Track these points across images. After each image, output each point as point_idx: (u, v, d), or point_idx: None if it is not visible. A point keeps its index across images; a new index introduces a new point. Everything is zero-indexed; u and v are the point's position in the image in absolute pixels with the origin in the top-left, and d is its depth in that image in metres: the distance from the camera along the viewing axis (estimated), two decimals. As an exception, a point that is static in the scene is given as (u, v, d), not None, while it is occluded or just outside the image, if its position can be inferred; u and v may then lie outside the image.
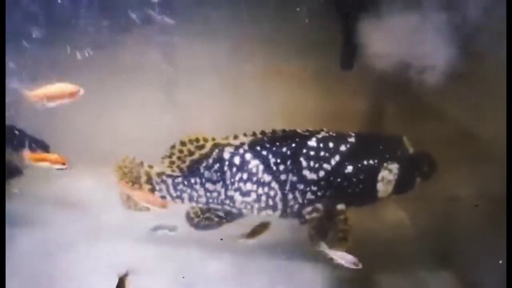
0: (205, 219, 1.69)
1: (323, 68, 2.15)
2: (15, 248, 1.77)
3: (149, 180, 1.66)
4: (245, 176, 1.57)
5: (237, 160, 1.58)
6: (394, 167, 1.53)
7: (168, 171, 1.64)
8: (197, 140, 1.59)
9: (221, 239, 1.76)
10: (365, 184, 1.54)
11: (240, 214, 1.66)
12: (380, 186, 1.54)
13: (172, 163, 1.62)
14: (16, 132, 1.93)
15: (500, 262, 1.42)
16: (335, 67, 2.09)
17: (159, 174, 1.65)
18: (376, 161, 1.54)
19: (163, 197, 1.67)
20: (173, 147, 1.61)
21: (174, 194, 1.66)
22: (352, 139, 1.58)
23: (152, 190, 1.66)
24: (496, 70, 1.46)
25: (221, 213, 1.68)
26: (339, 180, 1.54)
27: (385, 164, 1.53)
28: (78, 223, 1.91)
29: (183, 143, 1.60)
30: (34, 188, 2.11)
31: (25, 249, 1.77)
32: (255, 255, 1.79)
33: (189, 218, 1.71)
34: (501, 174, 1.37)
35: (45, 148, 1.96)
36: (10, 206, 1.96)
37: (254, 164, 1.56)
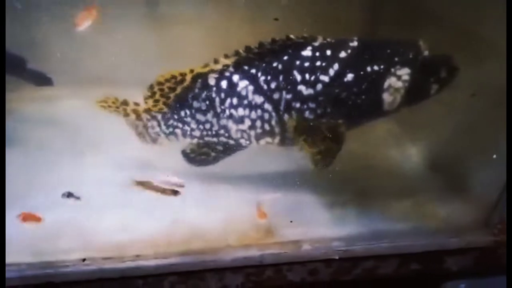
0: (202, 154, 1.61)
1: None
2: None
3: (138, 117, 1.58)
4: (235, 101, 1.45)
5: (224, 84, 1.46)
6: (404, 72, 1.33)
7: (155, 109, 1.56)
8: (174, 77, 1.48)
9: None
10: (369, 94, 1.35)
11: (238, 145, 1.57)
12: (386, 96, 1.35)
13: (156, 101, 1.52)
14: None
15: (494, 156, 1.40)
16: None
17: (147, 111, 1.57)
18: (382, 66, 1.33)
19: (156, 134, 1.60)
20: (151, 86, 1.50)
21: (167, 131, 1.58)
22: (354, 44, 1.38)
23: (145, 126, 1.59)
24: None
25: (219, 147, 1.59)
26: (337, 91, 1.36)
27: (392, 70, 1.33)
28: (65, 141, 1.88)
29: (160, 83, 1.49)
30: (21, 108, 2.08)
31: (15, 166, 1.71)
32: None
33: (185, 154, 1.63)
34: (500, 67, 1.32)
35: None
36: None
37: (242, 85, 1.44)
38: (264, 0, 1.97)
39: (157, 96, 1.52)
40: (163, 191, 1.41)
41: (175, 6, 2.07)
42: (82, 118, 2.00)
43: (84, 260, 1.33)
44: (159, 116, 1.56)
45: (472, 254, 1.50)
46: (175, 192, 1.42)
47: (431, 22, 1.66)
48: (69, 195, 1.54)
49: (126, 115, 1.59)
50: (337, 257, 1.41)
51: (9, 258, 1.32)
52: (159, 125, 1.58)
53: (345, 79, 1.36)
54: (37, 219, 1.46)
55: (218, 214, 1.46)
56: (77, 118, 2.01)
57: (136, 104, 1.57)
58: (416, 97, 1.38)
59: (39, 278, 1.30)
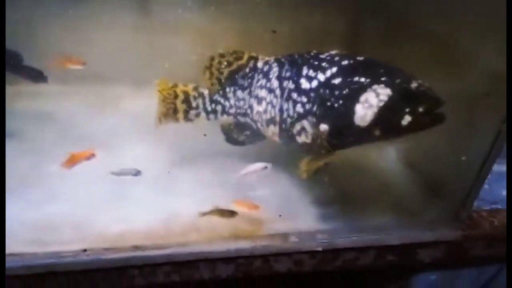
0: (237, 132, 1.76)
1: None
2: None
3: (186, 98, 1.72)
4: (264, 82, 1.60)
5: (266, 67, 1.62)
6: (384, 92, 1.30)
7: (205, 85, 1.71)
8: (235, 52, 1.65)
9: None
10: (345, 100, 1.36)
11: (259, 135, 1.70)
12: (359, 108, 1.33)
13: (211, 74, 1.67)
14: None
15: (463, 158, 1.54)
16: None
17: (196, 88, 1.72)
18: (368, 80, 1.34)
19: (197, 115, 1.73)
20: (212, 58, 1.66)
21: (209, 108, 1.73)
22: (360, 58, 1.43)
23: (188, 108, 1.72)
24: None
25: (247, 132, 1.74)
26: (322, 90, 1.41)
27: (374, 86, 1.32)
28: (61, 137, 1.94)
29: (221, 55, 1.65)
30: (20, 105, 2.10)
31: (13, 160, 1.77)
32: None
33: (223, 129, 1.78)
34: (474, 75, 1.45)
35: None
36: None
37: (274, 70, 1.59)
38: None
39: (213, 69, 1.67)
40: (223, 214, 1.53)
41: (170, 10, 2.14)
42: (76, 113, 2.07)
43: (85, 250, 1.40)
44: (206, 92, 1.71)
45: (443, 247, 1.64)
46: (233, 214, 1.53)
47: (412, 34, 1.78)
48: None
49: (176, 96, 1.70)
50: (320, 249, 1.53)
51: (14, 248, 1.39)
52: (204, 102, 1.72)
53: (333, 81, 1.41)
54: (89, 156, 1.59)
55: (211, 207, 1.55)
56: (70, 114, 2.07)
57: (185, 85, 1.71)
58: (388, 123, 1.33)
59: (43, 268, 1.37)
